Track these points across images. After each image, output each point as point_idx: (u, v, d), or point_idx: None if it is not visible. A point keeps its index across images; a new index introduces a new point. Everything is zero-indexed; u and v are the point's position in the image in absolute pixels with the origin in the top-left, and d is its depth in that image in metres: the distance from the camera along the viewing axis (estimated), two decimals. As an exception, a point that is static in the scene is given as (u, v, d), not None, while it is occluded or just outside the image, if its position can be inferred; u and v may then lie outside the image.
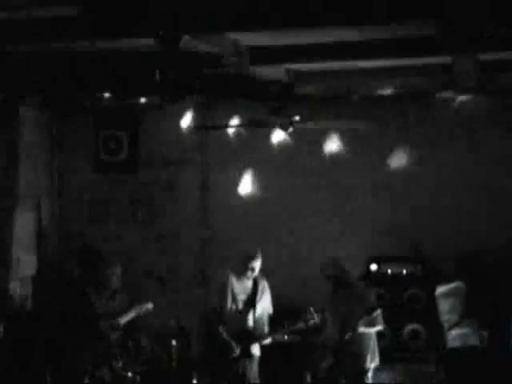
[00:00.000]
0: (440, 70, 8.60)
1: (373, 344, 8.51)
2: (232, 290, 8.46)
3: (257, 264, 8.36)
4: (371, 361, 8.50)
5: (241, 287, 8.48)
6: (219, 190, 10.59)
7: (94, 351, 8.49)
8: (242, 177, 10.42)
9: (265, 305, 8.56)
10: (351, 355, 8.39)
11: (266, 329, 8.54)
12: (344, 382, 8.44)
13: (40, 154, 10.72)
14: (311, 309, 8.33)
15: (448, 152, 9.97)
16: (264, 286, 8.57)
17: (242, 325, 8.43)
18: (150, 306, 8.85)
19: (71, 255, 9.20)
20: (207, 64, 8.31)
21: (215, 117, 10.17)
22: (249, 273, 8.37)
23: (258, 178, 10.39)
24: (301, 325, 8.40)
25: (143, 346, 8.78)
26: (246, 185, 10.41)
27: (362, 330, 8.39)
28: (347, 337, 8.33)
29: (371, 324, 8.43)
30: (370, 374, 8.50)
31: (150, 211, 10.85)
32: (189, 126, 9.83)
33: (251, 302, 8.46)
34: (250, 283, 8.48)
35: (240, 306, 8.48)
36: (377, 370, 8.63)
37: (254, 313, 8.45)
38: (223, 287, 8.46)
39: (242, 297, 8.48)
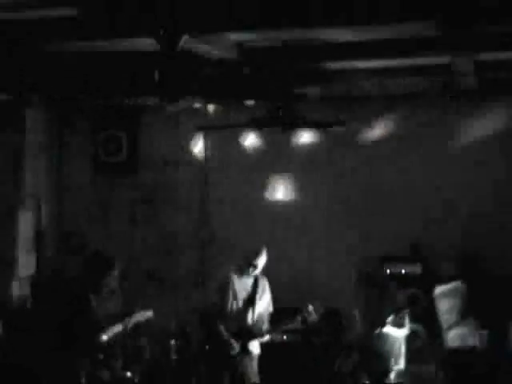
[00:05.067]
0: (440, 70, 8.62)
1: (398, 346, 8.49)
2: (233, 288, 8.46)
3: (261, 261, 8.37)
4: (395, 363, 8.49)
5: (241, 285, 8.48)
6: (219, 190, 10.60)
7: (93, 350, 8.47)
8: (242, 177, 10.44)
9: (265, 303, 8.56)
10: (376, 354, 8.40)
11: (266, 327, 8.55)
12: (367, 381, 8.44)
13: (40, 155, 10.72)
14: (310, 307, 8.32)
15: (448, 151, 9.99)
16: (264, 284, 8.58)
17: (241, 323, 8.44)
18: (149, 313, 8.73)
19: (85, 262, 9.02)
20: (207, 64, 8.33)
21: (215, 117, 10.18)
22: (251, 269, 8.37)
23: (258, 178, 10.41)
24: (299, 323, 8.41)
25: (143, 345, 8.75)
26: (246, 185, 10.43)
27: (389, 329, 8.39)
28: (374, 335, 8.32)
29: (398, 325, 8.42)
30: (391, 376, 8.47)
31: (149, 211, 10.86)
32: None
33: (251, 300, 8.46)
34: (250, 281, 8.49)
35: (240, 304, 8.48)
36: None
37: (254, 311, 8.46)
38: (224, 285, 8.46)
39: (242, 295, 8.48)
